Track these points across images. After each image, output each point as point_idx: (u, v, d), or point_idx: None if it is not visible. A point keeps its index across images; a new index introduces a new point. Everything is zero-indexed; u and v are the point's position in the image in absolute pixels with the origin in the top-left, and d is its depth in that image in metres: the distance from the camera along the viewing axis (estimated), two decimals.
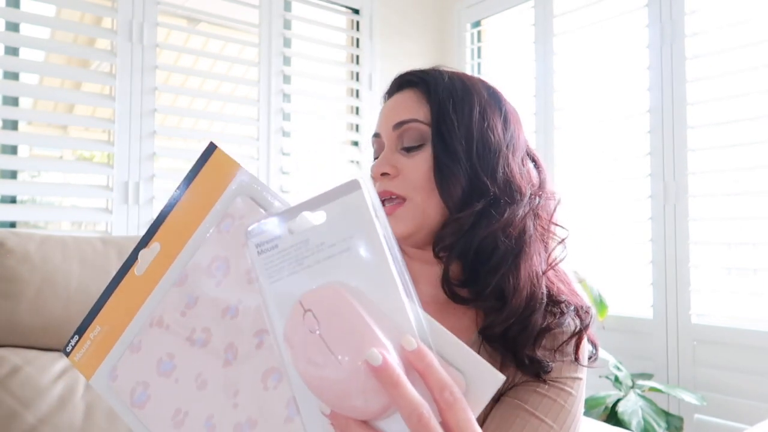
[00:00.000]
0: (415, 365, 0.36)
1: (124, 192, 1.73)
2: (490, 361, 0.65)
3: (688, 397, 1.64)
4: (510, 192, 0.64)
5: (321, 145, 2.22)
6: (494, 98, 0.69)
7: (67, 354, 0.44)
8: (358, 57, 2.29)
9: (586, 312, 0.65)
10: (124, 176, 1.73)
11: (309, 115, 2.19)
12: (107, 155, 1.76)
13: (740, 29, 1.69)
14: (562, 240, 0.68)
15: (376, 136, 0.71)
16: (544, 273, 0.64)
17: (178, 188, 0.44)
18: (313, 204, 0.39)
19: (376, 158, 0.71)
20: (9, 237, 1.09)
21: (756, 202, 1.65)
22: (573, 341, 0.65)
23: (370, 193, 0.38)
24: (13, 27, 1.64)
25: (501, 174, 0.65)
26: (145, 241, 0.44)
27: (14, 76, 1.66)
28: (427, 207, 0.65)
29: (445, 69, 0.71)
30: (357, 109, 2.28)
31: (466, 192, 0.63)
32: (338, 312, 0.36)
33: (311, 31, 2.18)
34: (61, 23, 1.86)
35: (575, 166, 2.11)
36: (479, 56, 2.49)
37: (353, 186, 0.38)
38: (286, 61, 2.11)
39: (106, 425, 1.05)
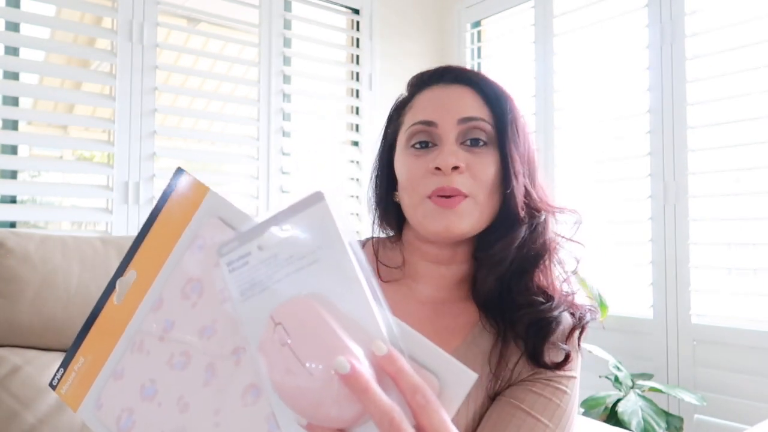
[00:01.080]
0: (386, 370, 0.36)
1: (124, 192, 1.73)
2: (490, 357, 0.66)
3: (688, 397, 1.64)
4: (544, 207, 0.68)
5: (321, 145, 2.22)
6: (523, 116, 0.72)
7: (54, 387, 0.45)
8: (358, 57, 2.29)
9: (591, 311, 0.68)
10: (124, 176, 1.73)
11: (309, 115, 2.19)
12: (107, 155, 1.76)
13: (740, 29, 1.69)
14: (577, 264, 0.71)
15: (430, 124, 0.67)
16: (564, 281, 0.68)
17: (149, 216, 0.45)
18: (279, 219, 0.39)
19: (422, 147, 0.67)
20: (9, 237, 1.09)
21: (756, 202, 1.65)
22: (576, 335, 0.67)
23: (333, 203, 0.39)
24: (13, 27, 1.64)
25: (540, 189, 0.69)
26: (121, 270, 0.45)
27: (14, 76, 1.65)
28: (485, 208, 0.65)
29: (488, 75, 0.72)
30: (357, 109, 2.28)
31: (521, 202, 0.66)
32: (307, 323, 0.37)
33: (311, 31, 2.18)
34: (61, 23, 1.86)
35: (575, 166, 2.11)
36: (479, 56, 2.49)
37: (317, 198, 0.39)
38: (286, 61, 2.11)
39: None
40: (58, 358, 1.08)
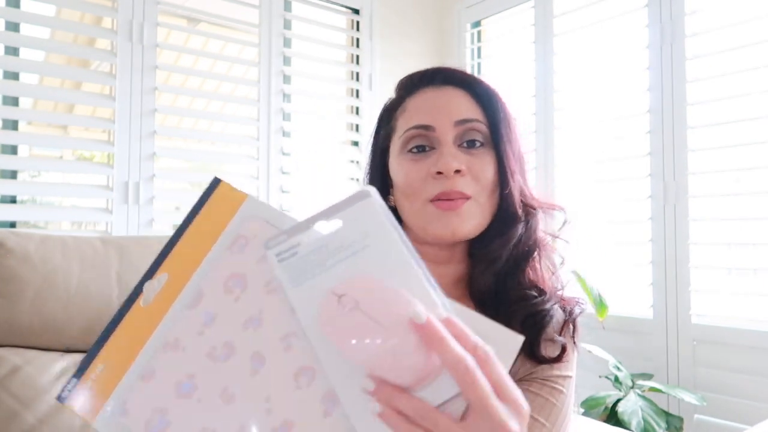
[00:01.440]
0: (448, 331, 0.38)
1: (124, 192, 1.73)
2: None
3: (688, 397, 1.64)
4: (538, 204, 0.70)
5: (321, 145, 2.22)
6: (514, 115, 0.73)
7: (63, 400, 0.42)
8: (358, 57, 2.29)
9: (579, 304, 0.70)
10: (124, 176, 1.73)
11: (309, 115, 2.19)
12: (107, 155, 1.76)
13: (740, 29, 1.69)
14: (563, 260, 0.73)
15: (426, 128, 0.67)
16: (553, 274, 0.70)
17: (182, 222, 0.45)
18: (326, 214, 0.41)
19: (418, 150, 0.67)
20: (9, 237, 1.09)
21: (756, 202, 1.65)
22: (569, 329, 0.68)
23: (378, 200, 0.42)
24: (13, 27, 1.64)
25: (530, 188, 0.70)
26: (150, 274, 0.44)
27: (14, 76, 1.65)
28: (486, 208, 0.67)
29: (479, 76, 0.74)
30: (357, 109, 2.28)
31: (518, 200, 0.67)
32: (373, 290, 0.39)
33: (311, 31, 2.18)
34: (61, 23, 1.86)
35: (575, 166, 2.11)
36: (479, 56, 2.49)
37: (363, 194, 0.41)
38: (286, 61, 2.11)
39: None
40: (58, 358, 1.08)
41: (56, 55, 1.96)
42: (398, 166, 0.69)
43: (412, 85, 0.72)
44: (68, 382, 0.42)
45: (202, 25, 2.29)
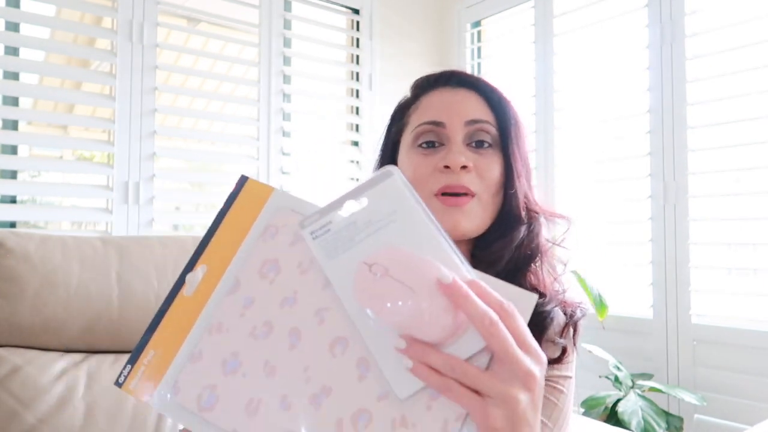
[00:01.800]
0: (474, 292, 0.41)
1: (124, 192, 1.73)
2: None
3: (688, 397, 1.64)
4: (541, 210, 0.71)
5: (321, 145, 2.22)
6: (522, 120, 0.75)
7: (120, 385, 0.46)
8: (358, 57, 2.29)
9: (581, 308, 0.70)
10: (124, 176, 1.73)
11: (309, 115, 2.19)
12: (107, 155, 1.76)
13: (740, 29, 1.69)
14: (565, 267, 0.74)
15: (438, 124, 0.69)
16: (555, 280, 0.71)
17: (215, 218, 0.50)
18: (354, 194, 0.45)
19: (428, 145, 0.69)
20: (9, 237, 1.09)
21: (756, 202, 1.65)
22: (570, 331, 0.69)
23: (401, 178, 0.45)
24: (13, 27, 1.64)
25: (533, 193, 0.71)
26: (190, 266, 0.49)
27: (14, 76, 1.65)
28: (489, 207, 0.68)
29: (490, 80, 0.75)
30: (357, 109, 2.28)
31: (522, 203, 0.68)
32: (402, 258, 0.42)
33: (311, 31, 2.18)
34: (61, 23, 1.86)
35: (575, 166, 2.11)
36: (479, 56, 2.49)
37: (387, 174, 0.45)
38: (286, 61, 2.11)
39: (106, 425, 1.05)
40: (58, 358, 1.08)
41: (56, 55, 1.96)
42: (407, 160, 0.71)
43: (428, 84, 0.74)
44: (123, 368, 0.46)
45: (202, 25, 2.29)
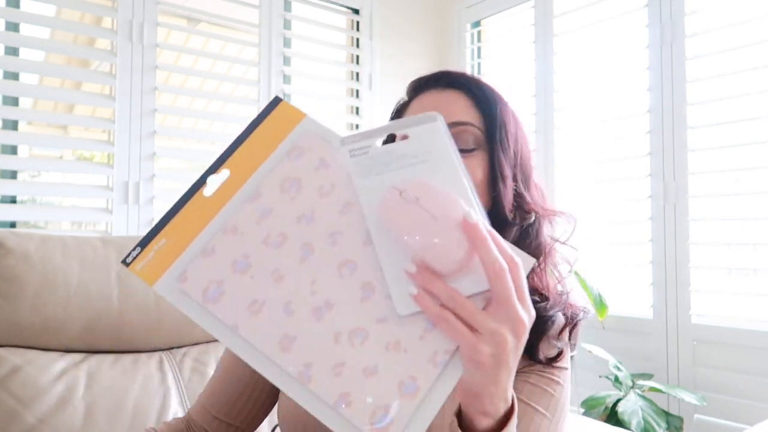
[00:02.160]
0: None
1: (124, 192, 1.73)
2: None
3: (688, 397, 1.64)
4: (538, 210, 0.70)
5: None
6: (520, 120, 0.74)
7: (127, 264, 0.47)
8: (358, 57, 2.29)
9: (583, 311, 0.71)
10: (124, 176, 1.73)
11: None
12: (107, 155, 1.76)
13: (740, 29, 1.69)
14: (571, 267, 0.73)
15: None
16: (559, 282, 0.70)
17: (245, 129, 0.51)
18: (397, 126, 0.48)
19: None
20: (9, 237, 1.09)
21: (756, 202, 1.65)
22: (567, 332, 0.70)
23: (444, 125, 0.47)
24: (13, 27, 1.64)
25: (533, 194, 0.70)
26: (213, 168, 0.50)
27: (14, 76, 1.66)
28: None
29: (486, 81, 0.74)
30: (357, 109, 2.28)
31: (509, 205, 0.67)
32: (430, 190, 0.44)
33: (311, 31, 2.18)
34: (61, 23, 1.86)
35: (575, 166, 2.11)
36: (479, 56, 2.49)
37: (432, 117, 0.48)
38: (286, 61, 2.11)
39: (106, 425, 1.05)
40: (58, 358, 1.08)
41: (56, 55, 1.96)
42: None
43: (419, 86, 0.74)
44: (132, 250, 0.47)
45: (202, 25, 2.29)
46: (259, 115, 0.52)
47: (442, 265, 0.43)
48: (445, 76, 0.72)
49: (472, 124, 0.68)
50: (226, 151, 0.51)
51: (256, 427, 0.80)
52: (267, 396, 0.79)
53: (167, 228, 0.48)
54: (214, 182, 0.50)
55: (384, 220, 0.45)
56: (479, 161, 0.67)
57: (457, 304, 0.43)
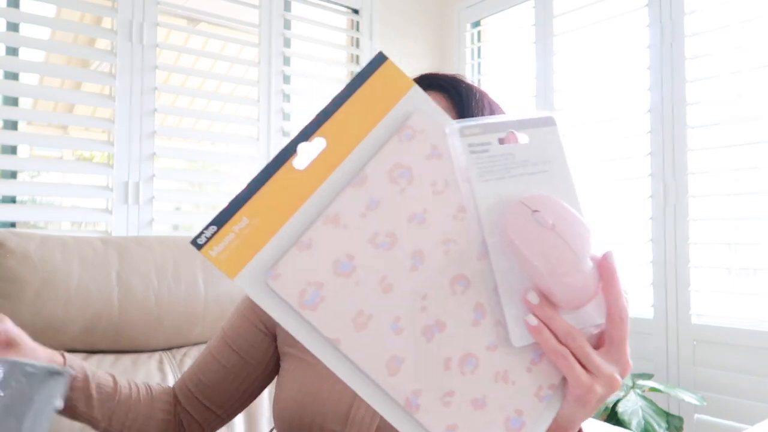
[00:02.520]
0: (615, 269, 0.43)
1: (124, 192, 1.73)
2: None
3: (688, 397, 1.64)
4: None
5: None
6: None
7: (200, 246, 0.38)
8: (358, 57, 2.29)
9: None
10: (124, 176, 1.73)
11: (309, 115, 2.19)
12: (107, 155, 1.76)
13: (740, 29, 1.69)
14: None
15: None
16: None
17: (343, 91, 0.43)
18: (516, 125, 0.44)
19: None
20: (9, 237, 1.09)
21: (756, 202, 1.65)
22: None
23: (561, 130, 0.46)
24: (13, 27, 1.64)
25: None
26: (305, 135, 0.41)
27: (14, 76, 1.65)
28: None
29: (468, 81, 0.74)
30: None
31: None
32: (566, 216, 0.42)
33: (311, 31, 2.18)
34: (61, 23, 1.86)
35: (575, 166, 2.10)
36: (479, 56, 2.49)
37: (551, 120, 0.45)
38: (286, 61, 2.11)
39: None
40: None
41: (56, 55, 1.96)
42: None
43: None
44: (205, 228, 0.38)
45: (202, 25, 2.29)
46: (360, 74, 0.43)
47: (568, 301, 0.41)
48: (427, 78, 0.74)
49: None
50: (320, 115, 0.42)
51: (231, 416, 0.81)
52: (247, 388, 0.79)
53: (249, 204, 0.39)
54: (306, 152, 0.41)
55: (510, 238, 0.41)
56: None
57: (575, 344, 0.41)
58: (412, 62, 2.42)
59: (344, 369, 0.39)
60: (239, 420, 1.19)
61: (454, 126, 0.43)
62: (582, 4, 2.08)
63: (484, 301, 0.41)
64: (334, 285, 0.39)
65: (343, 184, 0.41)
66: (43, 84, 1.93)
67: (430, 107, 0.43)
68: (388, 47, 2.35)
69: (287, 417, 0.69)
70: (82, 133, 2.31)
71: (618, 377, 0.42)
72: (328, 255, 0.39)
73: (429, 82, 0.73)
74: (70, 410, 0.68)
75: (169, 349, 1.22)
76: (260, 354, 0.78)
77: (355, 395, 0.66)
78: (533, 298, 0.41)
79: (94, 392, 0.69)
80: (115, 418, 0.71)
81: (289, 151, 0.40)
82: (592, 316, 0.43)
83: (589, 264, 0.41)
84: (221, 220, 0.38)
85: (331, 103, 0.42)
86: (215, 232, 0.38)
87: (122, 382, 0.73)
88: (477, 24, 2.50)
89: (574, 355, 0.41)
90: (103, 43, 1.85)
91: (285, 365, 0.75)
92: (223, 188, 2.08)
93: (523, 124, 0.44)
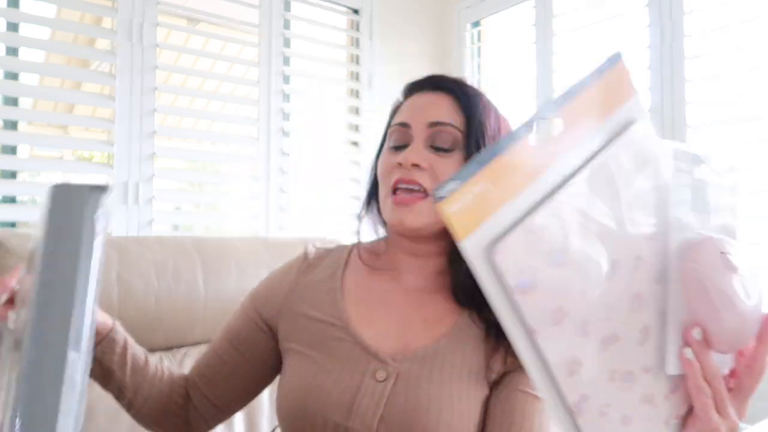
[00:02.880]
0: None
1: (124, 192, 1.73)
2: (482, 344, 0.70)
3: None
4: None
5: (321, 145, 2.21)
6: (505, 123, 0.76)
7: (440, 199, 0.36)
8: (358, 57, 2.29)
9: None
10: (124, 176, 1.73)
11: (309, 115, 2.19)
12: (107, 155, 1.76)
13: (740, 29, 1.69)
14: None
15: (404, 125, 0.73)
16: None
17: (581, 79, 0.44)
18: (704, 158, 0.47)
19: (397, 146, 0.73)
20: (9, 237, 1.09)
21: (756, 202, 1.65)
22: None
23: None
24: (13, 27, 1.64)
25: None
26: (545, 113, 0.41)
27: (14, 76, 1.65)
28: None
29: (474, 85, 0.77)
30: (357, 109, 2.28)
31: None
32: (746, 264, 0.43)
33: (311, 31, 2.18)
34: (61, 23, 1.86)
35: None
36: (479, 56, 2.49)
37: (736, 167, 0.50)
38: (286, 61, 2.11)
39: (107, 425, 1.05)
40: None
41: (56, 55, 1.96)
42: (380, 159, 0.76)
43: (411, 88, 0.78)
44: (449, 182, 0.37)
45: (202, 25, 2.29)
46: (599, 68, 0.45)
47: (724, 345, 0.43)
48: (433, 79, 0.76)
49: (451, 125, 0.71)
50: (561, 97, 0.42)
51: (231, 411, 0.82)
52: (246, 384, 0.80)
53: (489, 168, 0.38)
54: (541, 129, 0.41)
55: (695, 272, 0.42)
56: (456, 161, 0.70)
57: (717, 385, 0.45)
58: (412, 62, 2.42)
59: (530, 360, 0.38)
60: (239, 419, 1.19)
61: (669, 145, 0.45)
62: (582, 4, 2.07)
63: (651, 323, 0.43)
64: (546, 275, 0.38)
65: (567, 174, 0.40)
66: (43, 84, 1.93)
67: (646, 119, 0.46)
68: (388, 47, 2.35)
69: (290, 409, 0.69)
70: (81, 133, 2.31)
71: (738, 424, 0.46)
72: (547, 243, 0.39)
73: (436, 84, 0.74)
74: (106, 373, 0.71)
75: (169, 349, 1.22)
76: (259, 352, 0.79)
77: (358, 387, 0.66)
78: (697, 335, 0.43)
79: (129, 360, 0.72)
80: (140, 391, 0.75)
81: (528, 126, 0.40)
82: (727, 363, 0.46)
83: (756, 317, 0.43)
84: (464, 176, 0.37)
85: (572, 88, 0.43)
86: (458, 188, 0.37)
87: (151, 359, 0.77)
88: (477, 24, 2.49)
89: (713, 395, 0.44)
90: (103, 43, 1.85)
91: (287, 361, 0.75)
92: (223, 188, 2.08)
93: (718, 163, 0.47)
